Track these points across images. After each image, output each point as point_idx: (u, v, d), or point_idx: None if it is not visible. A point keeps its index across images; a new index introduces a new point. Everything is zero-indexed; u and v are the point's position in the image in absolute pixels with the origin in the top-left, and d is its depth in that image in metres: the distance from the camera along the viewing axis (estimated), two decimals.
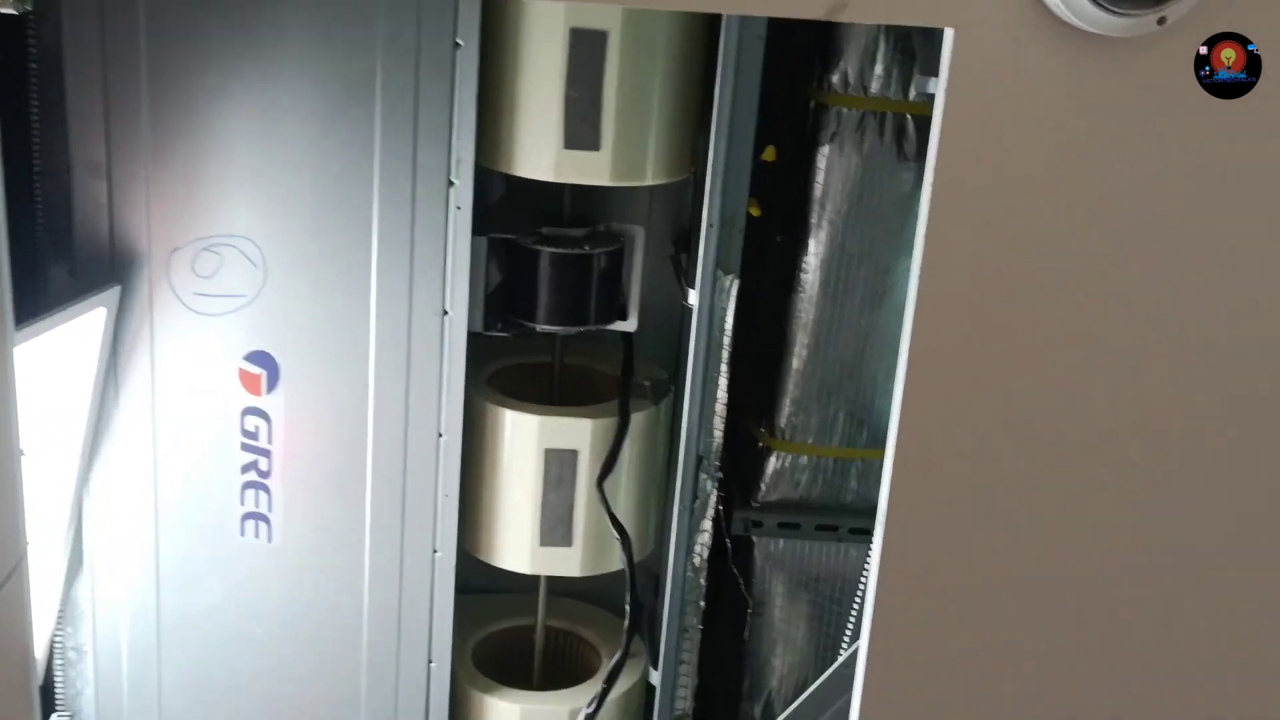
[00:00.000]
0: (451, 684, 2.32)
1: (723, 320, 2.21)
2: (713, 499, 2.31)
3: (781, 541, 2.52)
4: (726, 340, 2.22)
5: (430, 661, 2.28)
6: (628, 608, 2.29)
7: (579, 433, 2.26)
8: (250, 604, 2.22)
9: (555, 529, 2.30)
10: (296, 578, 2.21)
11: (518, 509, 2.30)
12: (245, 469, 2.15)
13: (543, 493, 2.28)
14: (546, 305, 2.22)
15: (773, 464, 2.48)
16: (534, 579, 2.49)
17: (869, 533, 2.25)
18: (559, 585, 2.55)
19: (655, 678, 2.42)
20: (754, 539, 2.52)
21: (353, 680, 2.26)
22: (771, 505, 2.51)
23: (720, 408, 2.27)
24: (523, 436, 2.26)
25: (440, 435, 2.16)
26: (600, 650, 2.57)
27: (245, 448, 2.14)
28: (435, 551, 2.22)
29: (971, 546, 1.38)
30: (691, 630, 2.39)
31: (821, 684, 1.87)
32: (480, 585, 2.60)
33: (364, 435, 2.14)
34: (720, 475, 2.31)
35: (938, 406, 1.32)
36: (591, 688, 2.38)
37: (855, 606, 2.36)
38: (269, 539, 2.18)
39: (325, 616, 2.23)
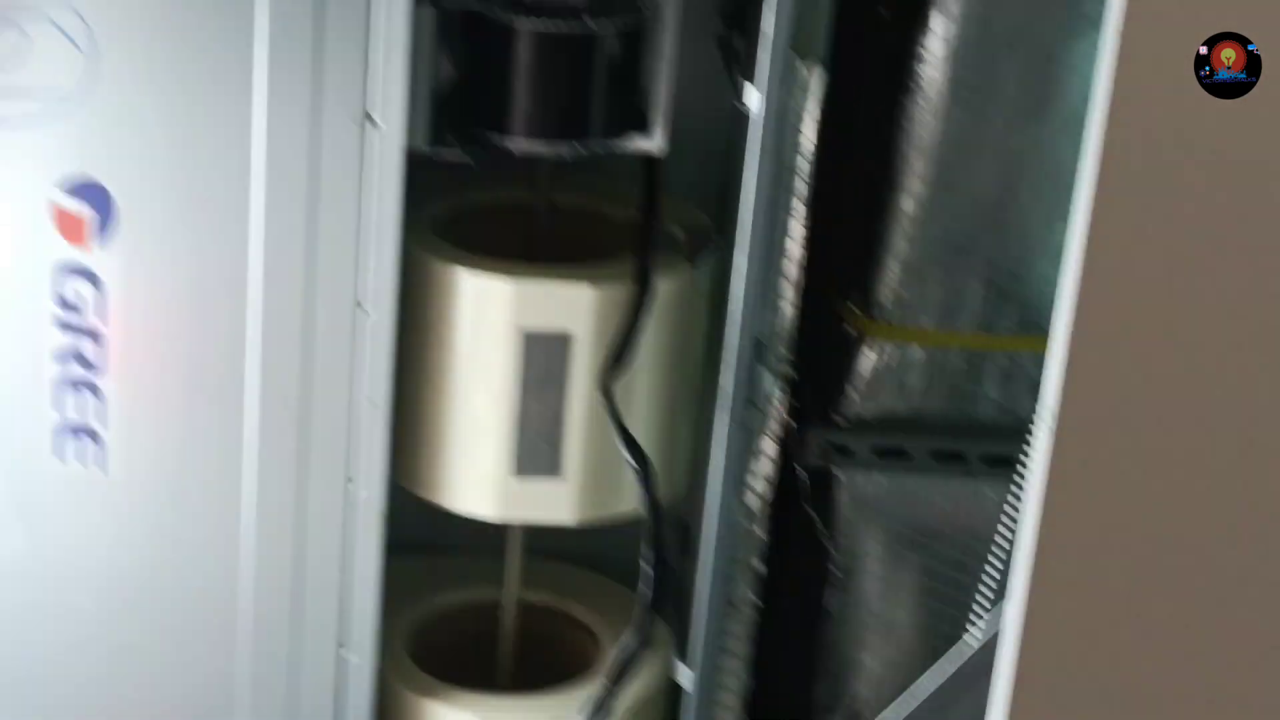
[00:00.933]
0: (378, 684, 2.36)
1: (797, 135, 2.21)
2: (776, 408, 2.32)
3: (880, 477, 2.55)
4: (803, 169, 2.23)
5: (342, 648, 2.31)
6: (645, 570, 2.29)
7: (574, 307, 2.27)
8: (72, 560, 2.24)
9: (537, 453, 2.31)
10: (141, 523, 2.23)
11: (480, 423, 2.31)
12: (61, 358, 2.16)
13: (519, 398, 2.29)
14: (526, 111, 2.21)
15: (869, 359, 2.50)
16: (503, 530, 2.50)
17: (1015, 464, 2.31)
18: (541, 539, 2.57)
19: (684, 677, 2.46)
20: (837, 473, 2.54)
21: (225, 675, 2.30)
22: (866, 423, 2.52)
23: (791, 271, 2.28)
24: (489, 312, 2.27)
25: (361, 309, 2.18)
26: (600, 636, 2.60)
27: (62, 326, 2.15)
28: (350, 481, 2.25)
29: (1178, 483, 1.44)
30: (741, 607, 2.42)
31: (937, 679, 1.89)
32: (423, 539, 2.61)
33: (242, 309, 2.15)
34: (790, 374, 2.29)
35: (1133, 267, 1.39)
36: (585, 688, 2.41)
37: (992, 575, 2.37)
38: (101, 465, 2.20)
39: (184, 581, 2.25)
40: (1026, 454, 2.23)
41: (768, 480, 2.37)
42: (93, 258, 2.12)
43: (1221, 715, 1.52)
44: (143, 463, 2.21)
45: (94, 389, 2.17)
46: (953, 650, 2.00)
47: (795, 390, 2.40)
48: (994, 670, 1.54)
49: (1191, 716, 1.51)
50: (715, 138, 2.50)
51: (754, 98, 2.20)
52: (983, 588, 2.40)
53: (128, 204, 2.10)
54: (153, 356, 2.17)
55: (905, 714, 2.02)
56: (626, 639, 2.35)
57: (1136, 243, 1.41)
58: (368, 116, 2.09)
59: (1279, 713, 1.51)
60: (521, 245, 2.43)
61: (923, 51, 2.34)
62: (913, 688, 2.01)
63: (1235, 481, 1.45)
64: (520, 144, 2.22)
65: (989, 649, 1.87)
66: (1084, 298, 1.43)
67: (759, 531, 2.40)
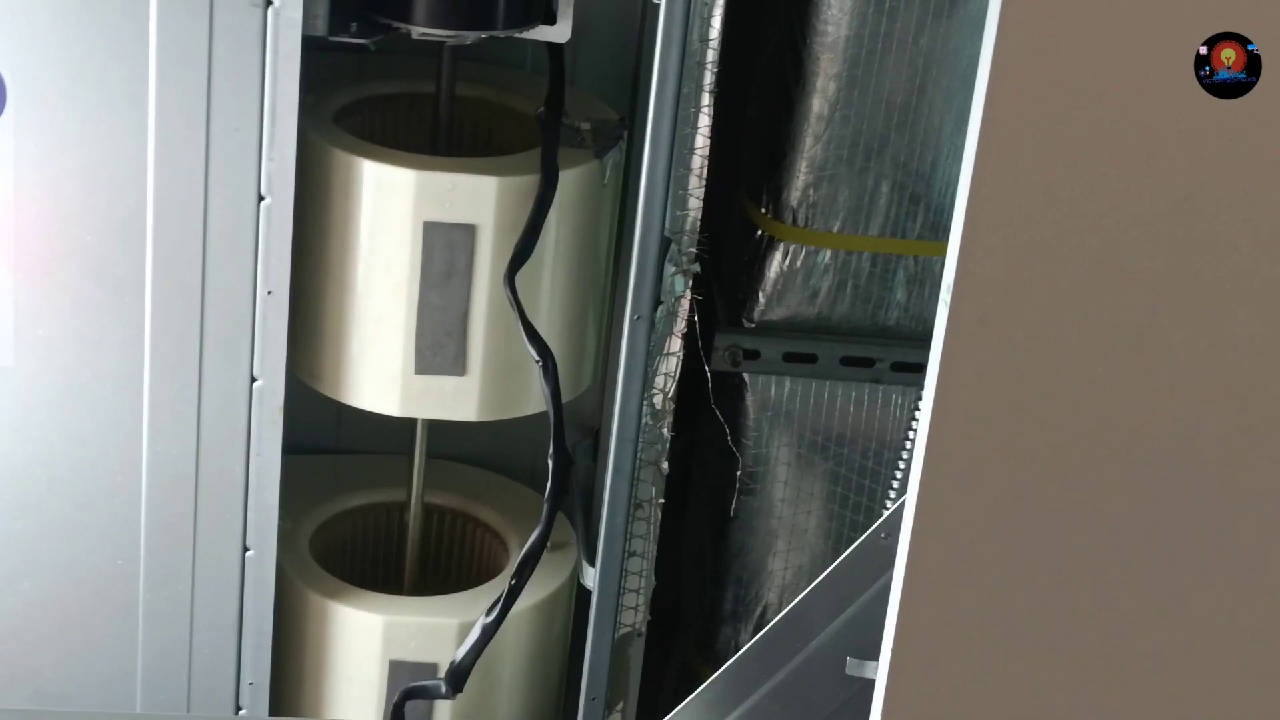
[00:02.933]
0: (279, 584, 2.35)
1: (707, 27, 2.18)
2: (685, 306, 2.30)
3: (788, 382, 2.55)
4: (711, 58, 2.20)
5: (246, 549, 2.31)
6: (550, 467, 2.28)
7: (478, 198, 2.25)
8: None
9: (440, 349, 2.30)
10: (35, 414, 2.22)
11: (382, 316, 2.30)
12: None
13: (421, 291, 2.27)
14: None
15: (777, 262, 2.51)
16: (407, 427, 2.49)
17: (922, 369, 2.31)
18: (446, 438, 2.58)
19: (591, 577, 2.45)
20: (745, 377, 2.54)
21: (125, 576, 2.29)
22: (774, 326, 2.53)
23: (698, 165, 2.25)
24: (390, 202, 2.25)
25: (261, 199, 2.16)
26: (506, 537, 2.60)
27: None
28: (254, 380, 2.24)
29: (1073, 387, 1.47)
30: (647, 507, 2.41)
31: (842, 566, 1.88)
32: (323, 439, 2.64)
33: (140, 195, 2.13)
34: (697, 272, 2.28)
35: (1024, 167, 1.41)
36: (491, 591, 2.39)
37: (896, 479, 2.36)
38: None
39: (81, 475, 2.24)
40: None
41: (674, 378, 2.34)
42: None
43: (1107, 604, 1.53)
44: (35, 352, 2.18)
45: None
46: (873, 528, 1.99)
47: (703, 289, 2.37)
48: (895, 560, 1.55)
49: (1077, 610, 1.53)
50: (625, 30, 2.49)
51: None
52: (890, 494, 2.40)
53: (18, 84, 2.07)
54: (45, 243, 2.14)
55: (806, 604, 2.00)
56: (531, 539, 2.32)
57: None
58: None
59: (1159, 600, 1.53)
60: (423, 138, 2.41)
61: None
62: (834, 566, 2.00)
63: (1127, 376, 1.47)
64: (422, 28, 2.19)
65: (893, 526, 1.88)
66: (976, 204, 1.43)
67: (666, 432, 2.37)
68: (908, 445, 2.36)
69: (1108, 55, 1.37)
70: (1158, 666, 1.52)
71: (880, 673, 1.52)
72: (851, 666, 1.81)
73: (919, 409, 2.31)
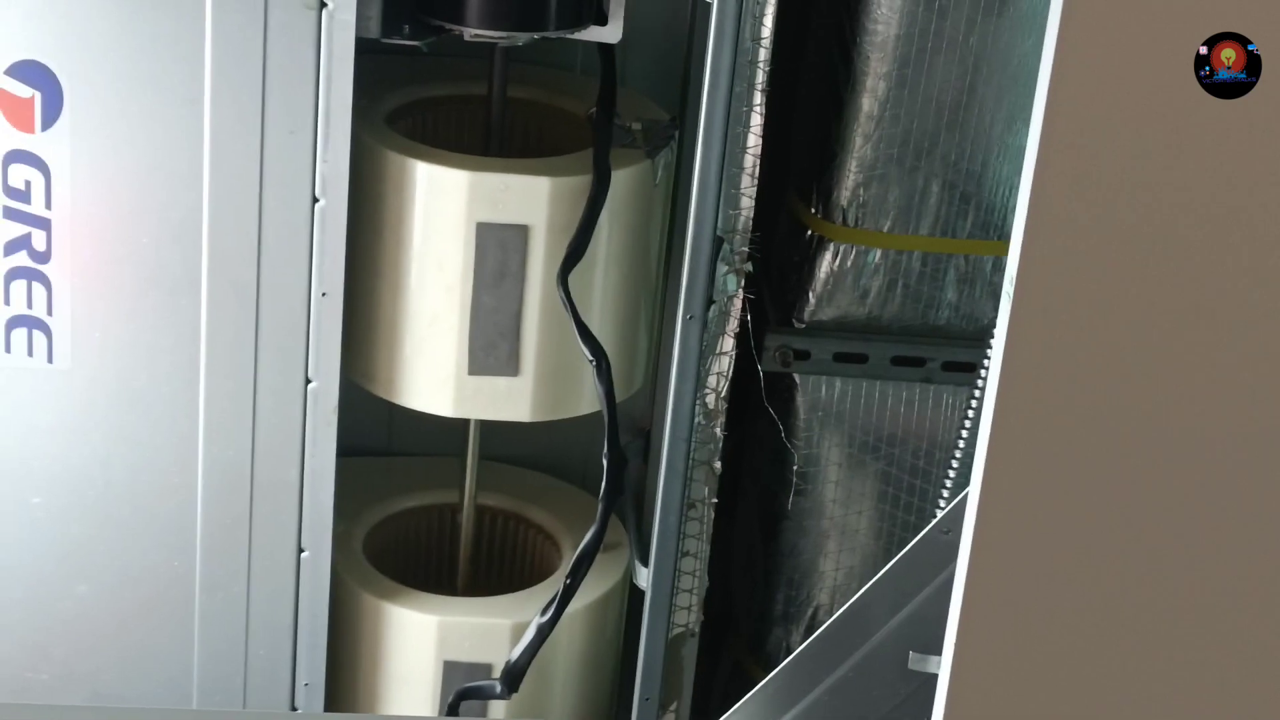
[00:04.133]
0: (333, 586, 2.35)
1: (759, 26, 2.19)
2: (737, 305, 2.30)
3: (838, 382, 2.55)
4: (764, 56, 2.20)
5: (301, 550, 2.31)
6: (605, 467, 2.27)
7: (530, 198, 2.25)
8: (21, 457, 2.23)
9: (493, 349, 2.30)
10: (91, 417, 2.22)
11: (435, 317, 2.30)
12: (10, 249, 2.14)
13: (474, 292, 2.27)
14: None
15: (827, 262, 2.50)
16: (458, 429, 2.49)
17: (974, 369, 2.30)
18: (498, 440, 2.58)
19: (644, 578, 2.45)
20: (795, 377, 2.54)
21: (181, 577, 2.29)
22: (825, 326, 2.53)
23: (750, 164, 2.25)
24: (443, 203, 2.25)
25: (316, 201, 2.16)
26: (559, 539, 2.60)
27: (10, 215, 2.13)
28: (309, 382, 2.24)
29: (1136, 379, 1.46)
30: (700, 507, 2.41)
31: (903, 561, 1.88)
32: (376, 442, 2.64)
33: (196, 198, 2.13)
34: (749, 268, 2.28)
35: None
36: (545, 592, 2.39)
37: (949, 479, 2.36)
38: (48, 358, 2.19)
39: (137, 478, 2.25)
40: (986, 358, 2.23)
41: (726, 377, 2.34)
42: (39, 143, 2.09)
43: (1171, 601, 1.52)
44: (91, 355, 2.19)
45: (43, 280, 2.15)
46: (931, 526, 1.99)
47: (755, 289, 2.38)
48: (956, 560, 1.54)
49: (1141, 605, 1.52)
50: (675, 31, 2.49)
51: None
52: (943, 494, 2.39)
53: (75, 88, 2.08)
54: (102, 246, 2.15)
55: (866, 600, 1.99)
56: (586, 536, 2.32)
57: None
58: (320, 0, 2.07)
59: (1224, 596, 1.52)
60: (478, 138, 2.41)
61: None
62: (890, 565, 2.00)
63: (1190, 379, 1.46)
64: (474, 30, 2.20)
65: (948, 537, 1.87)
66: (1037, 207, 1.43)
67: (719, 431, 2.37)
68: (960, 445, 2.36)
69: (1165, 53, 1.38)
70: (1221, 663, 1.52)
71: (943, 668, 1.52)
72: (914, 661, 1.80)
73: (971, 408, 2.32)
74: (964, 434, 2.35)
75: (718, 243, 2.27)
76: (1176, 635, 1.51)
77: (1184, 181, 1.38)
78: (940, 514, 1.96)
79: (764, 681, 1.91)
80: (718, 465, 2.40)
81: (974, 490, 1.50)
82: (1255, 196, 1.39)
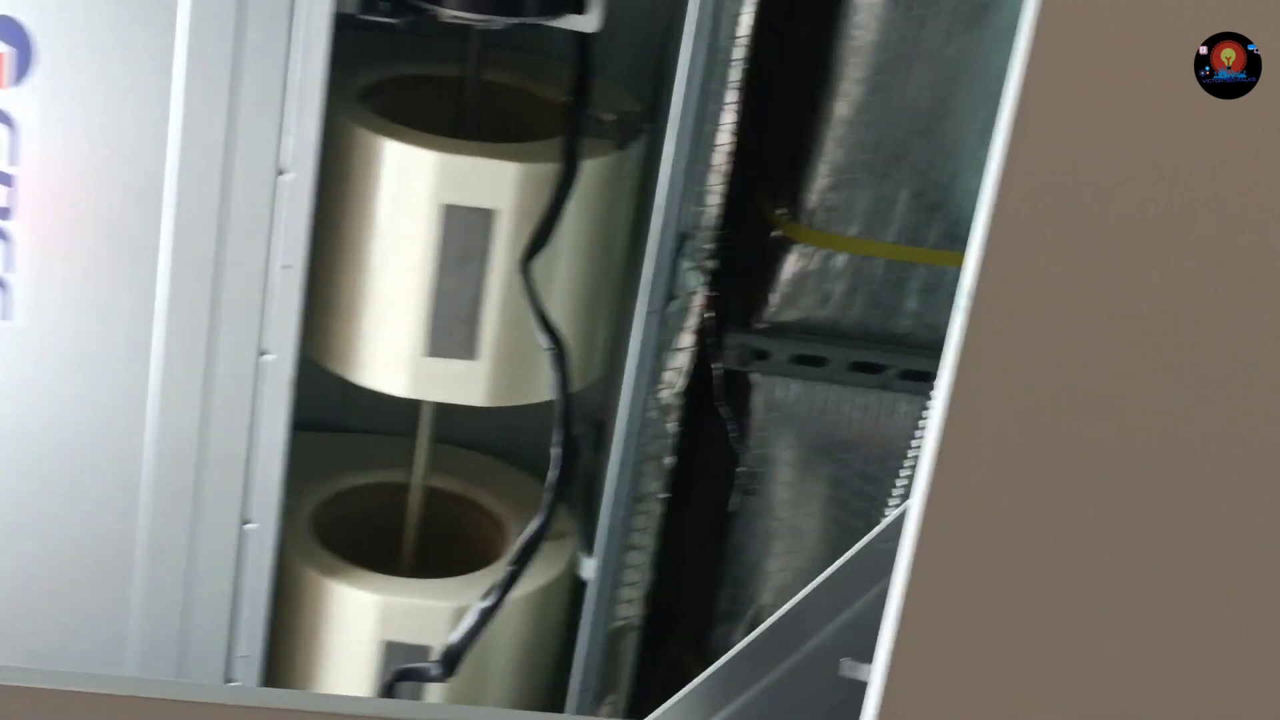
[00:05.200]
0: (279, 560, 2.35)
1: (735, 23, 2.21)
2: (697, 302, 2.32)
3: (795, 385, 2.56)
4: (739, 55, 2.22)
5: (247, 522, 2.31)
6: (555, 454, 2.28)
7: (498, 183, 2.26)
8: None
9: (452, 331, 2.31)
10: (44, 376, 2.22)
11: (396, 297, 2.30)
12: None
13: (436, 274, 2.27)
14: None
15: (791, 264, 2.51)
16: (412, 409, 2.50)
17: (930, 378, 2.31)
18: (452, 423, 2.58)
19: (588, 568, 2.46)
20: (752, 378, 2.55)
21: (124, 542, 2.29)
22: (785, 328, 2.53)
23: (720, 162, 2.28)
24: (411, 183, 2.26)
25: (281, 173, 2.16)
26: (506, 525, 2.60)
27: None
28: (263, 354, 2.24)
29: (1088, 396, 1.46)
30: (648, 501, 2.43)
31: (842, 569, 1.89)
32: (330, 417, 2.64)
33: (161, 163, 2.13)
34: (712, 269, 2.28)
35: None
36: (489, 577, 2.38)
37: (899, 487, 2.37)
38: (4, 314, 2.19)
39: (87, 440, 2.25)
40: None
41: (682, 374, 2.35)
42: (7, 98, 2.08)
43: (1119, 616, 1.53)
44: (49, 313, 2.19)
45: (3, 235, 2.15)
46: (872, 534, 1.99)
47: (717, 287, 2.39)
48: (894, 564, 1.53)
49: (1080, 624, 1.52)
50: (652, 23, 2.48)
51: None
52: (892, 501, 2.40)
53: (47, 44, 2.07)
54: (65, 204, 2.14)
55: (804, 605, 2.00)
56: (532, 524, 2.33)
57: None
58: None
59: (1178, 611, 1.52)
60: (447, 121, 2.41)
61: None
62: (830, 570, 2.00)
63: (1141, 386, 1.45)
64: (452, 11, 2.20)
65: (888, 547, 1.88)
66: (1000, 217, 1.42)
67: (671, 426, 2.38)
68: (911, 453, 2.37)
69: (1128, 57, 1.38)
70: (1164, 683, 1.53)
71: (874, 676, 1.53)
72: (846, 668, 1.81)
73: (925, 417, 2.33)
74: (915, 442, 2.36)
75: (681, 238, 2.28)
76: (1115, 654, 1.52)
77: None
78: (883, 523, 1.97)
79: (699, 678, 1.91)
80: (668, 460, 2.42)
81: (915, 503, 1.50)
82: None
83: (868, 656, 1.59)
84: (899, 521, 1.80)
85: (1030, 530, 1.50)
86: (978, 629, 1.53)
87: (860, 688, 1.59)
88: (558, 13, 2.24)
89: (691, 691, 1.90)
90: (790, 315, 2.52)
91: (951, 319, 1.49)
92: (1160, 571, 1.51)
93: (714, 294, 2.37)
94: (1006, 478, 1.49)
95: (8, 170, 2.11)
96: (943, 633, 1.53)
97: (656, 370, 2.35)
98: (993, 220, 1.45)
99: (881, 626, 1.52)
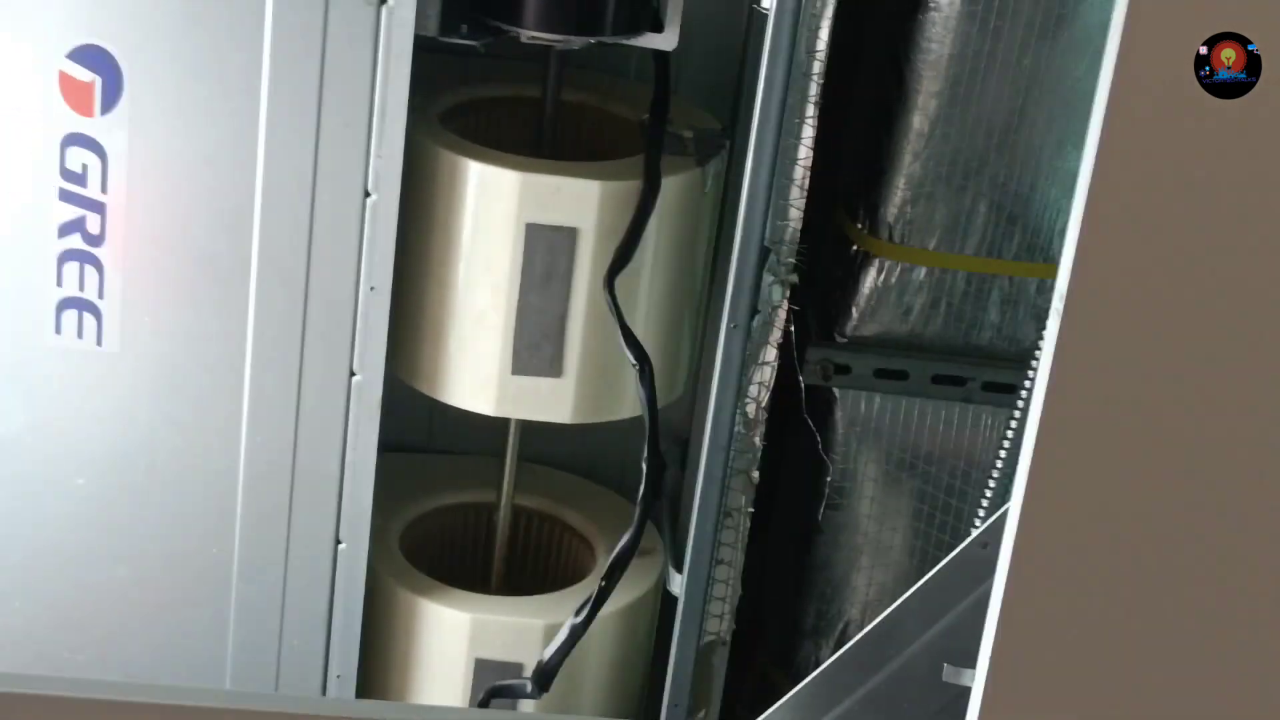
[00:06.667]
0: (369, 579, 2.36)
1: (814, 38, 2.19)
2: (781, 316, 2.30)
3: (878, 399, 2.55)
4: (817, 69, 2.20)
5: (339, 542, 2.32)
6: (644, 471, 2.28)
7: (580, 201, 2.25)
8: (68, 437, 2.24)
9: (537, 350, 2.30)
10: (137, 401, 2.23)
11: (481, 316, 2.30)
12: (65, 231, 2.15)
13: (520, 292, 2.28)
14: (538, 1, 2.20)
15: (871, 278, 2.51)
16: (499, 428, 2.50)
17: (1014, 390, 2.30)
18: (538, 442, 2.58)
19: (678, 584, 2.45)
20: (835, 392, 2.54)
21: (219, 562, 2.30)
22: (867, 342, 2.53)
23: (800, 176, 2.26)
24: (494, 204, 2.26)
25: (368, 195, 2.17)
26: (594, 542, 2.60)
27: (66, 197, 2.13)
28: (353, 375, 2.25)
29: (1180, 408, 1.46)
30: (736, 515, 2.41)
31: (940, 574, 1.88)
32: (416, 438, 2.65)
33: (250, 186, 2.14)
34: (794, 279, 2.28)
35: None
36: (578, 594, 2.39)
37: (985, 499, 2.35)
38: (98, 340, 2.20)
39: (180, 462, 2.26)
40: (1027, 380, 2.22)
41: (767, 388, 2.34)
42: (97, 126, 2.10)
43: (1221, 617, 1.51)
44: (139, 339, 2.20)
45: (95, 263, 2.16)
46: (963, 545, 1.98)
47: (796, 303, 2.38)
48: (993, 575, 1.53)
49: (1180, 626, 1.51)
50: (729, 40, 2.49)
51: None
52: (979, 513, 2.38)
53: (135, 74, 2.08)
54: (154, 231, 2.16)
55: (901, 612, 1.98)
56: (623, 540, 2.32)
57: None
58: None
59: (1270, 633, 1.51)
60: (529, 140, 2.42)
61: None
62: (923, 581, 1.99)
63: (1233, 415, 1.45)
64: (531, 32, 2.20)
65: (986, 552, 1.87)
66: (1089, 229, 1.42)
67: (758, 441, 2.37)
68: (998, 465, 2.35)
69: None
70: (1263, 685, 1.51)
71: (976, 681, 1.52)
72: (948, 674, 1.80)
73: (1010, 429, 2.31)
74: (1002, 454, 2.34)
75: (764, 253, 2.27)
76: (1216, 656, 1.50)
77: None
78: (979, 528, 1.95)
79: (796, 689, 1.90)
80: (755, 475, 2.40)
81: (1014, 505, 1.50)
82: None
83: (969, 662, 1.58)
84: (996, 526, 1.79)
85: (1130, 531, 1.49)
86: (1078, 632, 1.51)
87: (964, 693, 1.57)
88: (636, 32, 2.25)
89: (789, 700, 1.89)
90: (871, 329, 2.52)
91: (1049, 321, 1.48)
92: (1258, 574, 1.49)
93: (794, 308, 2.35)
94: (1102, 481, 1.48)
95: (98, 198, 2.13)
96: (1044, 637, 1.52)
97: (741, 385, 2.33)
98: (1083, 228, 1.44)
99: (984, 631, 1.51)
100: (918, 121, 2.40)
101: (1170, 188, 1.39)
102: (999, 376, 2.51)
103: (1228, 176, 1.38)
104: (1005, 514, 1.55)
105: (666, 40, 2.26)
